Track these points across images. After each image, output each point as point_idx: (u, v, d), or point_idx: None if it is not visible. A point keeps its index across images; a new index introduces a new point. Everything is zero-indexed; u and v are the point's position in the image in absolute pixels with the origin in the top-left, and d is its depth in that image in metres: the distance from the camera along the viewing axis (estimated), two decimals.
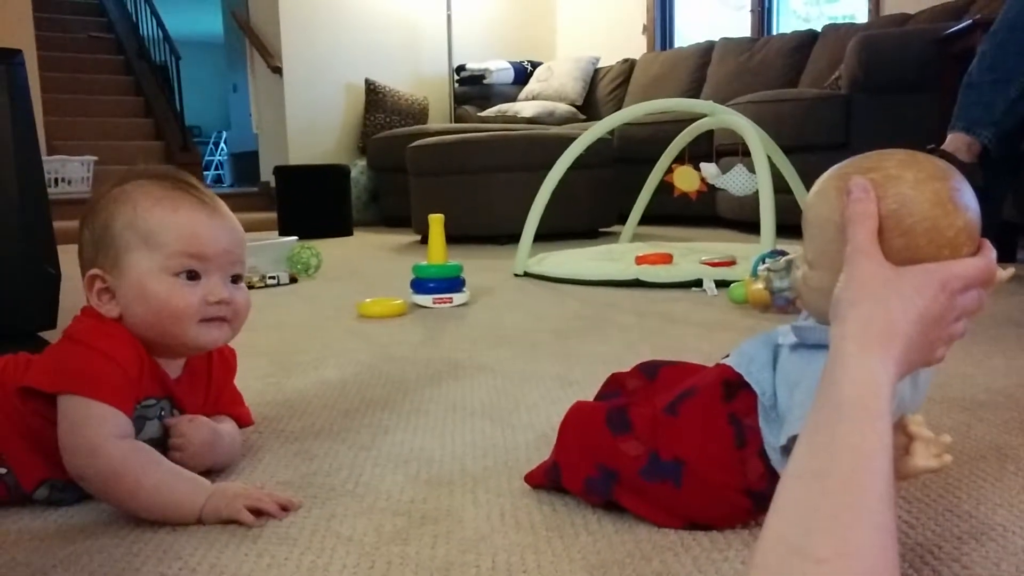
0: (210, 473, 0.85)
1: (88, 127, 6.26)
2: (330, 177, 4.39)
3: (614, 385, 0.87)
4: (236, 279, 0.85)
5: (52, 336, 1.52)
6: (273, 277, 2.44)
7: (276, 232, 4.16)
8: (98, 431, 0.74)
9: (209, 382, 0.91)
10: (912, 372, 0.58)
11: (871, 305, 0.55)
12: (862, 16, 4.47)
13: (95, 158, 5.40)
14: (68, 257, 1.48)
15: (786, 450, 0.63)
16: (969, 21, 2.61)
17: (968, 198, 0.59)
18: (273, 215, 4.36)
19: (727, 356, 0.76)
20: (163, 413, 0.84)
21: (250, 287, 2.37)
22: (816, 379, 0.56)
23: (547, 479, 0.79)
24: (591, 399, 0.87)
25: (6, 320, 1.45)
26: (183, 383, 0.87)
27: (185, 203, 0.82)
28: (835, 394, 0.53)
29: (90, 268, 0.82)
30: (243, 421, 0.97)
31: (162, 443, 0.84)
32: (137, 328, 0.81)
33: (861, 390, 0.52)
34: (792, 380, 0.66)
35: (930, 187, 0.58)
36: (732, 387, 0.72)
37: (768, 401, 0.68)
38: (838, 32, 4.01)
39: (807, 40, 4.22)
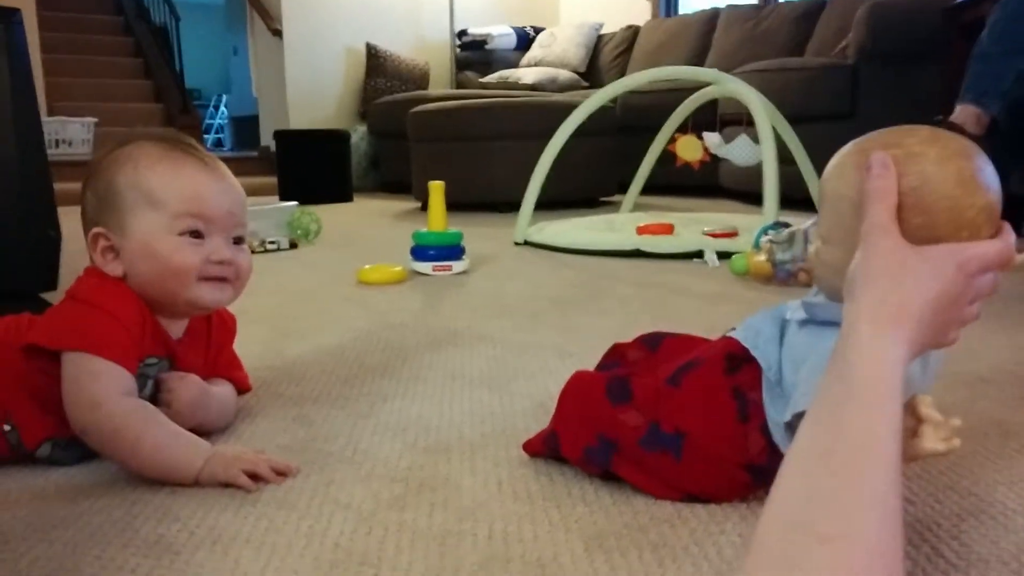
0: (208, 436, 0.85)
1: (87, 88, 6.19)
2: (330, 142, 4.36)
3: (615, 355, 0.87)
4: (238, 241, 0.86)
5: (53, 297, 1.52)
6: (273, 242, 2.43)
7: (276, 197, 4.14)
8: (101, 387, 0.75)
9: (208, 344, 0.92)
10: (923, 353, 0.58)
11: (886, 284, 0.54)
12: None
13: (95, 119, 5.35)
14: (69, 219, 1.47)
15: (790, 426, 0.63)
16: None
17: (991, 178, 0.58)
18: (273, 180, 4.34)
19: (732, 329, 0.76)
20: (160, 363, 0.85)
21: (250, 252, 2.36)
22: (824, 356, 0.55)
23: (545, 448, 0.79)
24: (588, 369, 0.87)
25: (7, 282, 1.45)
26: (184, 344, 0.87)
27: (187, 164, 0.83)
28: (845, 373, 0.52)
29: (93, 228, 0.82)
30: (241, 385, 0.97)
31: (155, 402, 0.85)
32: (141, 286, 0.81)
33: (872, 370, 0.51)
34: (799, 356, 0.66)
35: (953, 165, 0.57)
36: (736, 360, 0.71)
37: (773, 376, 0.68)
38: (846, 0, 3.95)
39: (814, 8, 4.16)
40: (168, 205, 0.80)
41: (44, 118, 2.45)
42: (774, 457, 0.67)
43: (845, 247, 0.60)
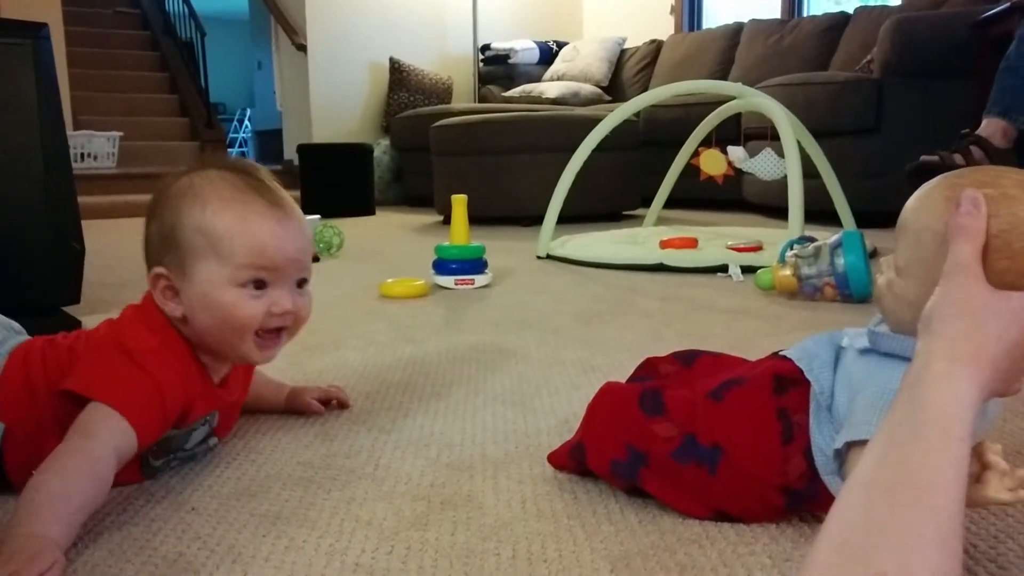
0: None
1: (114, 103, 6.29)
2: (353, 156, 4.38)
3: (647, 369, 0.85)
4: (301, 283, 0.83)
5: (76, 311, 1.53)
6: None
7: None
8: (104, 428, 0.71)
9: (247, 372, 0.92)
10: (988, 399, 0.56)
11: (966, 326, 0.53)
12: None
13: (121, 133, 5.42)
14: (92, 232, 1.49)
15: (838, 454, 0.61)
16: (1007, 4, 2.54)
17: None
18: (296, 193, 4.36)
19: (783, 350, 0.74)
20: (207, 418, 0.84)
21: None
22: (884, 388, 0.54)
23: (571, 459, 0.78)
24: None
25: (31, 295, 1.46)
26: (227, 385, 0.86)
27: (255, 209, 0.79)
28: (916, 411, 0.51)
29: (155, 265, 0.80)
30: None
31: (206, 442, 0.86)
32: (197, 332, 0.80)
33: (944, 411, 0.50)
34: (856, 385, 0.64)
35: None
36: (784, 382, 0.70)
37: (825, 401, 0.66)
38: (871, 14, 3.93)
39: (839, 22, 4.14)
40: (233, 255, 0.77)
41: (69, 132, 2.48)
42: (813, 482, 0.66)
43: (922, 281, 0.58)
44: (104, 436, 0.71)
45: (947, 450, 0.49)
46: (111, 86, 6.46)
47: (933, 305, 0.55)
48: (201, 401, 0.81)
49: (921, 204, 0.61)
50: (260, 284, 0.79)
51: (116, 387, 0.74)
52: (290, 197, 0.84)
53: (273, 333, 0.82)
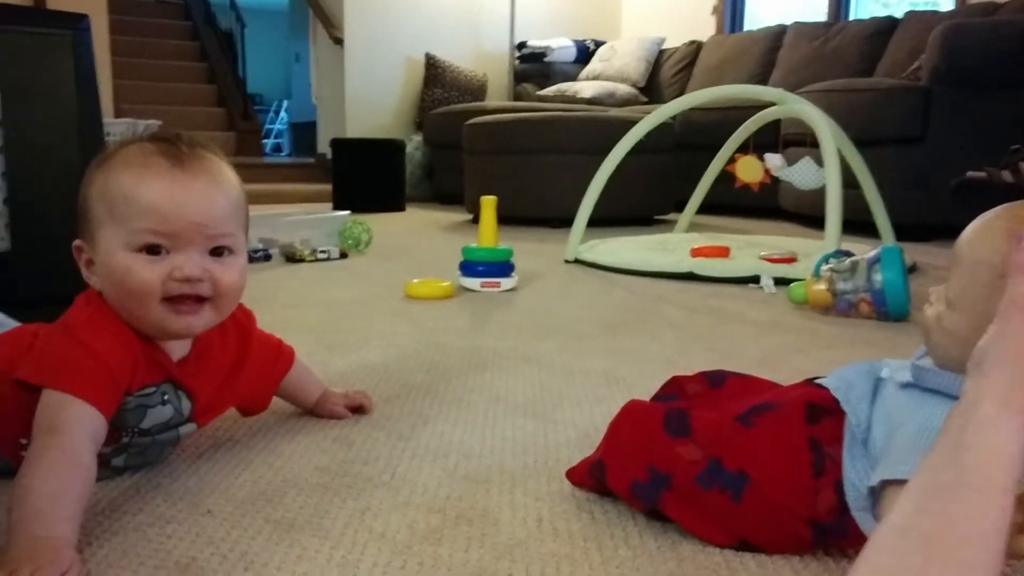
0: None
1: (153, 91, 6.37)
2: (386, 151, 4.39)
3: (673, 388, 0.83)
4: (220, 252, 0.77)
5: None
6: (324, 251, 2.45)
7: (331, 204, 4.19)
8: (65, 418, 0.69)
9: (227, 359, 0.86)
10: None
11: (1020, 369, 0.50)
12: (947, 4, 4.27)
13: (159, 123, 5.49)
14: None
15: (873, 491, 0.58)
16: None
17: None
18: (328, 187, 4.38)
19: (818, 377, 0.72)
20: (167, 397, 0.79)
21: (301, 260, 2.38)
22: (926, 425, 0.52)
23: (590, 477, 0.76)
24: (640, 398, 0.84)
25: (66, 284, 1.47)
26: (189, 363, 0.81)
27: (153, 170, 0.74)
28: (959, 456, 0.48)
29: (75, 239, 0.78)
30: (288, 360, 0.97)
31: (173, 427, 0.81)
32: (112, 304, 0.76)
33: (991, 458, 0.48)
34: (896, 420, 0.61)
35: None
36: (817, 411, 0.67)
37: (861, 434, 0.64)
38: (920, 19, 3.84)
39: (886, 27, 4.05)
40: (125, 219, 0.73)
41: (110, 120, 2.51)
42: (842, 517, 0.63)
43: (974, 317, 0.56)
44: (71, 426, 0.69)
45: (989, 501, 0.46)
46: (151, 75, 6.55)
47: (986, 344, 0.52)
48: (144, 364, 0.76)
49: (978, 235, 0.59)
50: (154, 249, 0.74)
51: (64, 370, 0.72)
52: (215, 163, 0.78)
53: (190, 301, 0.76)
